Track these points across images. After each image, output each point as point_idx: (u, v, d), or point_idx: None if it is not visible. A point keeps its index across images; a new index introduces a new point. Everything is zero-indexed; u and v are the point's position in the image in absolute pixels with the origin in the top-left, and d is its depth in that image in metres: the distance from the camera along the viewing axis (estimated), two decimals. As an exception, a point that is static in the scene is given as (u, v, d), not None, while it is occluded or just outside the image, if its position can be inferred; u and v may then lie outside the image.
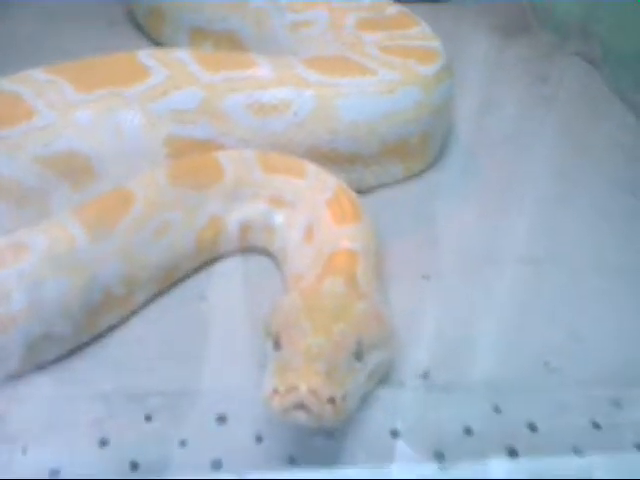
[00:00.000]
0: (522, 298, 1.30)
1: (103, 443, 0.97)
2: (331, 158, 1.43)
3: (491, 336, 1.22)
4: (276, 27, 1.73)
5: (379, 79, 1.45)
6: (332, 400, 0.90)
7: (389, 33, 1.61)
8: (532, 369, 1.18)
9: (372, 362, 1.02)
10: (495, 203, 1.52)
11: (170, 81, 1.41)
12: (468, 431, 1.04)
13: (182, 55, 1.46)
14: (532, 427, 1.05)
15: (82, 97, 1.38)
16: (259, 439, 0.99)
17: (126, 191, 1.23)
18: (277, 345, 0.99)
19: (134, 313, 1.21)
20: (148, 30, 1.95)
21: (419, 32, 1.62)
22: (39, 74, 1.40)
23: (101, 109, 1.38)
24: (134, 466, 0.94)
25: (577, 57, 1.92)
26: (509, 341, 1.22)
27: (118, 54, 1.48)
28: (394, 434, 1.02)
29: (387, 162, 1.51)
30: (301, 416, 0.89)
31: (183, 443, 0.98)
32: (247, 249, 1.34)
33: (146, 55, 1.46)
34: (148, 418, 1.01)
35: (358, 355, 0.99)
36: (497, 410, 1.07)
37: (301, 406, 0.88)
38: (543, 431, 1.04)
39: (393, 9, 1.69)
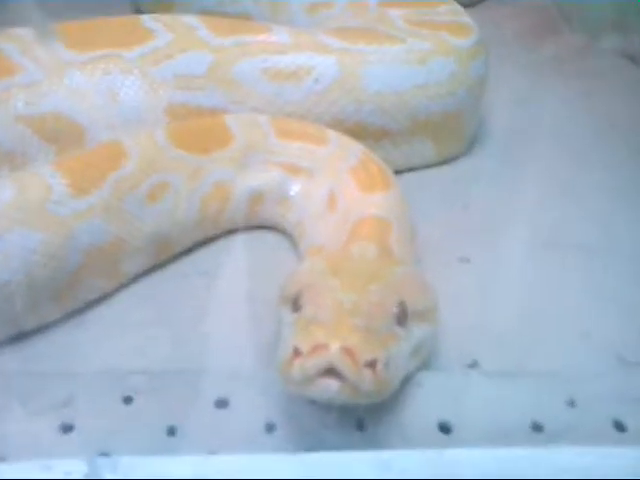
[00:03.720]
0: (575, 284, 1.06)
1: (66, 428, 0.71)
2: (356, 132, 1.19)
3: (546, 324, 0.97)
4: (293, 9, 1.53)
5: (409, 47, 1.24)
6: (372, 364, 0.64)
7: (416, 9, 1.40)
8: (603, 362, 0.92)
9: (417, 333, 0.76)
10: (536, 191, 1.28)
11: (175, 44, 1.20)
12: (537, 427, 0.78)
13: (190, 20, 1.25)
14: (619, 425, 0.79)
15: (75, 56, 1.17)
16: (270, 428, 0.73)
17: (119, 145, 1.00)
18: (296, 306, 0.73)
19: (122, 287, 0.96)
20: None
21: (449, 9, 1.41)
22: (27, 31, 1.19)
23: (96, 70, 1.17)
24: (105, 456, 0.67)
25: (614, 53, 1.71)
26: (568, 330, 0.97)
27: (119, 17, 1.28)
28: (444, 428, 0.76)
29: (417, 142, 1.27)
30: (331, 385, 0.62)
31: (171, 431, 0.72)
32: (257, 222, 1.10)
33: (151, 19, 1.26)
34: (127, 400, 0.74)
35: (400, 320, 0.73)
36: (571, 404, 0.81)
37: (331, 371, 0.62)
38: (633, 431, 0.78)
39: (420, -11, 1.49)
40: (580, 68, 1.70)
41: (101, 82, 1.17)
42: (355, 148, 1.09)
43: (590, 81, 1.65)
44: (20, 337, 0.87)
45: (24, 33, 1.19)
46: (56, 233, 0.87)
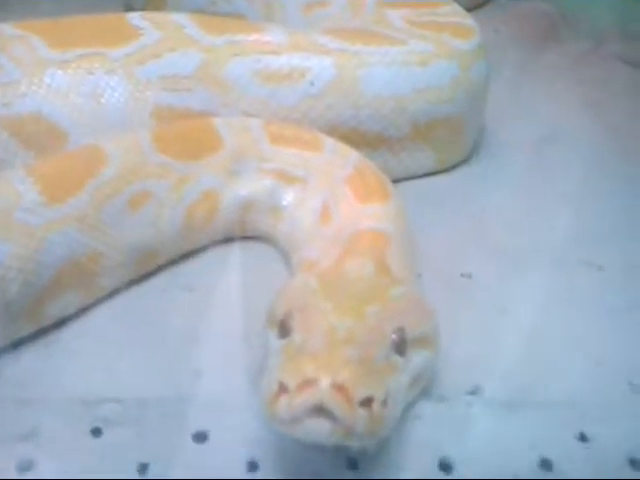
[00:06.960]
0: (585, 305, 0.98)
1: (24, 467, 0.63)
2: (352, 139, 1.11)
3: (554, 348, 0.89)
4: (288, 8, 1.46)
5: (409, 49, 1.16)
6: (368, 402, 0.56)
7: (417, 10, 1.32)
8: (614, 390, 0.84)
9: (417, 361, 0.69)
10: (540, 201, 1.21)
11: (163, 43, 1.13)
12: (546, 464, 0.70)
13: (179, 18, 1.18)
14: (634, 463, 0.71)
15: (56, 55, 1.09)
16: (253, 466, 0.65)
17: (99, 149, 0.92)
18: (284, 331, 0.66)
19: (99, 302, 0.88)
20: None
21: (450, 10, 1.34)
22: (7, 28, 1.11)
23: (78, 70, 1.09)
24: (65, 500, 0.60)
25: (617, 61, 1.65)
26: (578, 355, 0.89)
27: (104, 14, 1.20)
28: (444, 465, 0.68)
29: (417, 149, 1.20)
30: (321, 426, 0.55)
31: (143, 468, 0.64)
32: (246, 233, 1.02)
33: (137, 16, 1.18)
34: (96, 432, 0.67)
35: (399, 348, 0.65)
36: (582, 438, 0.73)
37: (321, 410, 0.55)
38: (650, 469, 0.70)
39: (420, -12, 1.41)
40: (582, 75, 1.63)
41: (84, 82, 1.09)
42: (351, 156, 1.02)
43: (593, 88, 1.58)
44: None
45: (2, 29, 1.11)
46: (26, 244, 0.79)
